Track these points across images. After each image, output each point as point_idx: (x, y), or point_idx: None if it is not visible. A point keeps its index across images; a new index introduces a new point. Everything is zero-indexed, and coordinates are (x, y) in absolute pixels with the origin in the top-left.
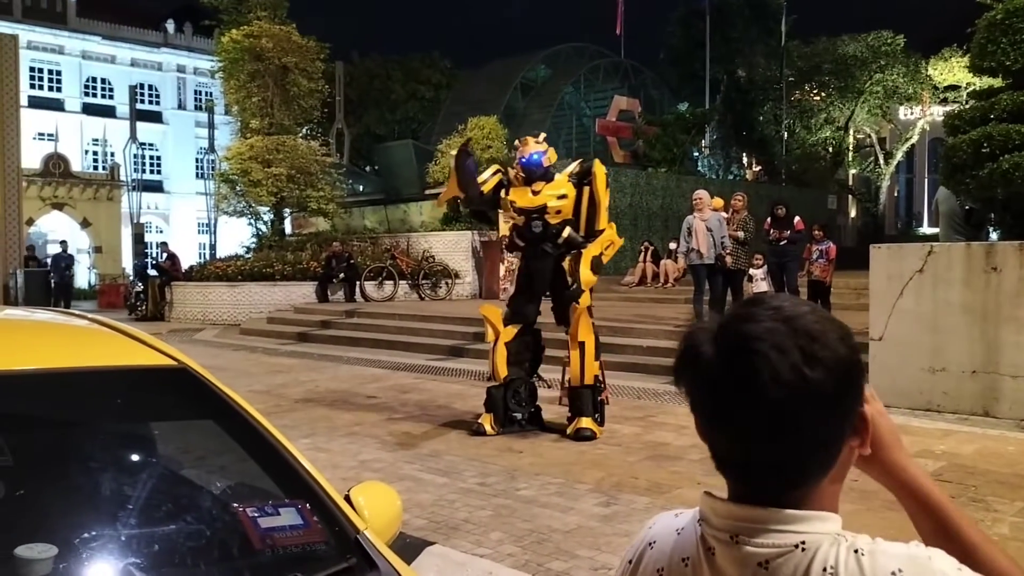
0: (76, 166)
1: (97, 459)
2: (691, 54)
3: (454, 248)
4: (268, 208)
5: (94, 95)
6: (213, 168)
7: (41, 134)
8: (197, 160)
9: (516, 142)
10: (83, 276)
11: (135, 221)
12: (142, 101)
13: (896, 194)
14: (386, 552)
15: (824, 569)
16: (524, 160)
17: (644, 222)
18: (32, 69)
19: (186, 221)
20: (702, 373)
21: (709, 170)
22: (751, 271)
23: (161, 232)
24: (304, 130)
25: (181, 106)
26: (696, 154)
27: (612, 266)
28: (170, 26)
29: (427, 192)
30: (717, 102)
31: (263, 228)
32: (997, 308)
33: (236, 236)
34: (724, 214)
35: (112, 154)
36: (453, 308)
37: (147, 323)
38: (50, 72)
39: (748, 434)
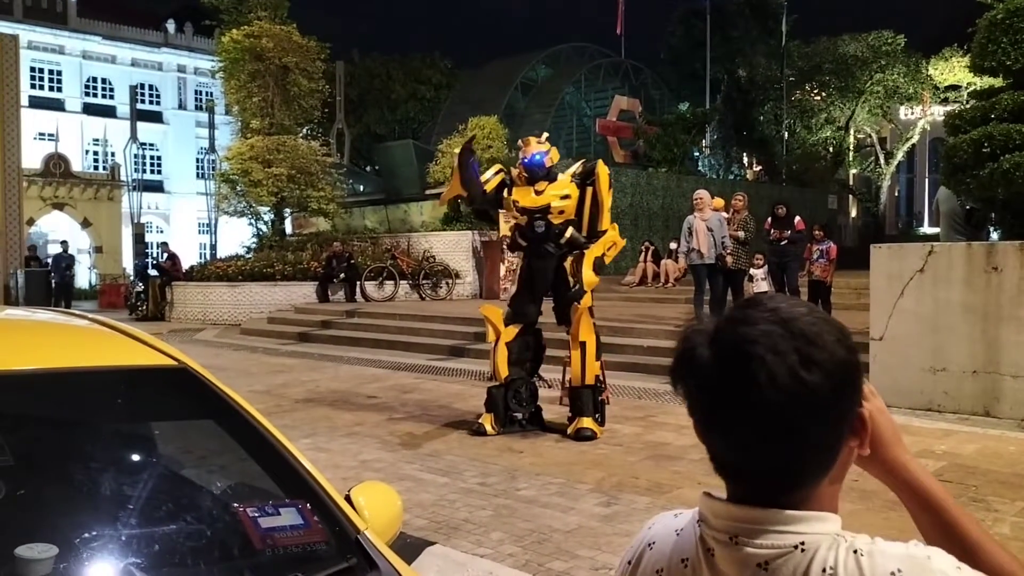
0: (77, 166)
1: (98, 459)
2: (692, 54)
3: (455, 248)
4: (268, 208)
5: (95, 95)
6: (214, 168)
7: (42, 134)
8: (197, 160)
9: (519, 142)
10: (84, 276)
11: (135, 221)
12: (143, 101)
13: (897, 194)
14: (386, 552)
15: (823, 570)
16: (526, 161)
17: (645, 222)
18: (33, 69)
19: (186, 221)
20: (698, 376)
21: (710, 170)
22: (752, 271)
23: (162, 232)
24: (304, 130)
25: (182, 106)
26: (697, 154)
27: (613, 266)
28: (171, 26)
29: (427, 192)
30: (718, 102)
31: (263, 228)
32: (998, 308)
33: (237, 236)
34: (725, 214)
35: (112, 154)
36: (453, 308)
37: (147, 323)
38: (51, 72)
39: (745, 438)
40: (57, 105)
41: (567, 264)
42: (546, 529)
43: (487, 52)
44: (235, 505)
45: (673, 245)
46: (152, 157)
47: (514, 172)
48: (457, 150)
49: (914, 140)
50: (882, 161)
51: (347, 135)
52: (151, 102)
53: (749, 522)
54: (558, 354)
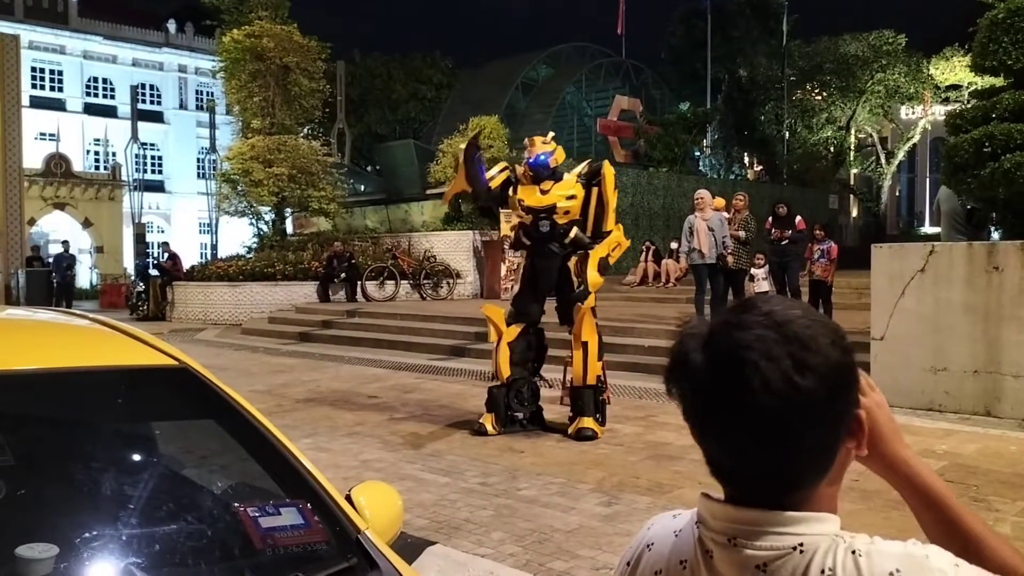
0: (77, 166)
1: (98, 459)
2: (692, 54)
3: (455, 248)
4: (269, 208)
5: (95, 95)
6: (214, 168)
7: (43, 134)
8: (198, 160)
9: (525, 140)
10: (85, 276)
11: (136, 221)
12: (143, 101)
13: (898, 194)
14: (387, 552)
15: (822, 571)
16: (531, 161)
17: (645, 222)
18: (34, 69)
19: (187, 221)
20: (692, 381)
21: (710, 170)
22: (752, 271)
23: (162, 232)
24: (305, 130)
25: (182, 106)
26: (697, 154)
27: (614, 266)
28: (171, 26)
29: (428, 192)
30: (718, 102)
31: (264, 228)
32: (999, 308)
33: (237, 236)
34: (726, 214)
35: (113, 154)
36: (454, 308)
37: (148, 323)
38: (51, 72)
39: (740, 442)
40: (58, 105)
41: (571, 264)
42: (547, 529)
43: (488, 52)
44: (236, 505)
45: (674, 245)
46: (153, 157)
47: (519, 170)
48: (463, 146)
49: (915, 140)
50: (883, 161)
51: (348, 135)
52: (152, 102)
53: (747, 524)
54: (559, 354)
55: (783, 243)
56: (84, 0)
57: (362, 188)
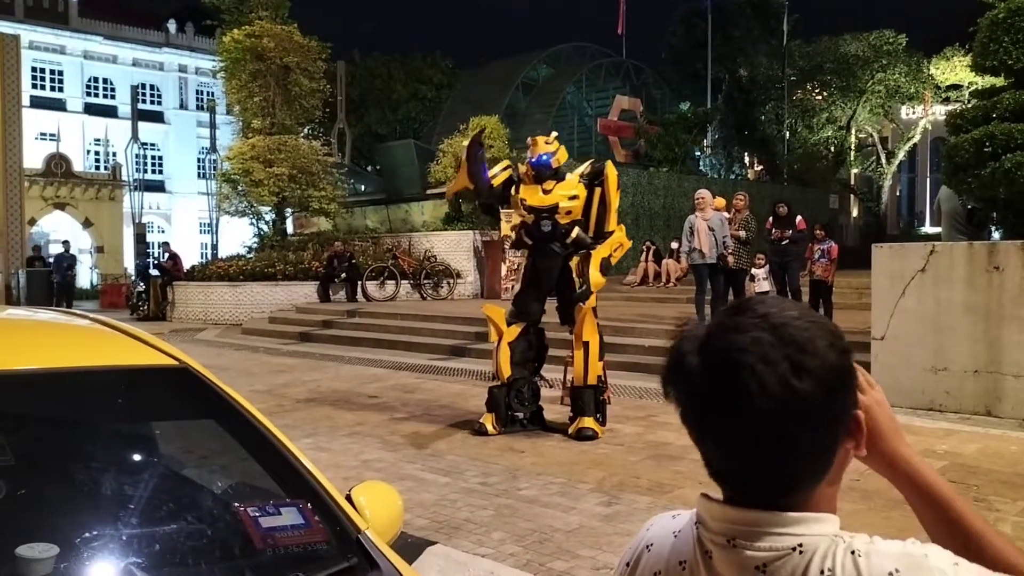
0: (78, 166)
1: (98, 459)
2: (693, 54)
3: (456, 248)
4: (270, 208)
5: (96, 95)
6: (215, 168)
7: (43, 134)
8: (199, 160)
9: (528, 140)
10: (85, 276)
11: (137, 221)
12: (144, 101)
13: (898, 193)
14: (387, 552)
15: (821, 571)
16: (533, 161)
17: (646, 221)
18: (34, 69)
19: (188, 221)
20: (688, 384)
21: (711, 169)
22: (753, 271)
23: (163, 232)
24: (306, 130)
25: (183, 106)
26: (698, 153)
27: (614, 266)
28: (172, 26)
29: (429, 192)
30: (719, 101)
31: (265, 228)
32: (999, 307)
33: (238, 236)
34: (726, 214)
35: (114, 154)
36: (455, 308)
37: (149, 323)
38: (52, 72)
39: (737, 445)
40: (58, 105)
41: (573, 264)
42: (547, 529)
43: (488, 52)
44: (236, 505)
45: (674, 245)
46: (153, 157)
47: (521, 169)
48: (465, 143)
49: (915, 140)
50: (883, 161)
51: (348, 135)
52: (152, 102)
53: (747, 524)
54: (559, 353)
55: (783, 243)
56: (84, 0)
57: (362, 188)
